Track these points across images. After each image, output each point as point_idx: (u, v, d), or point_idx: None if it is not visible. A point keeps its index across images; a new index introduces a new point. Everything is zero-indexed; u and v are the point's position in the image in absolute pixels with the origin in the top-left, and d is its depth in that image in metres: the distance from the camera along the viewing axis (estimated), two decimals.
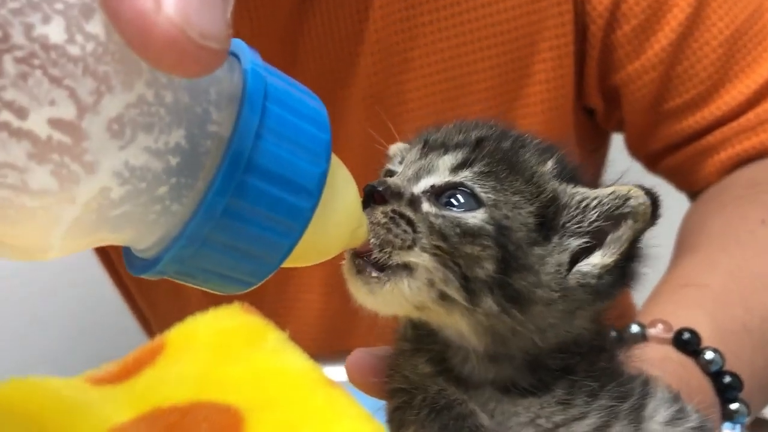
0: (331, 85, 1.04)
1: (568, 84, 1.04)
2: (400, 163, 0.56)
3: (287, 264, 0.42)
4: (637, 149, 1.10)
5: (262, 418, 0.83)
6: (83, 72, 0.32)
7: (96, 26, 0.32)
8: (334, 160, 0.45)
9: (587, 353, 0.52)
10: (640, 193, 0.50)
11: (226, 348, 0.94)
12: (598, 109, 1.09)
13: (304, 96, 0.42)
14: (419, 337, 0.54)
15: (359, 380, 0.56)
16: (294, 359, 0.92)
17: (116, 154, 0.34)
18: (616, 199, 0.50)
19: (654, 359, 0.67)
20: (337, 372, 0.99)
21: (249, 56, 0.40)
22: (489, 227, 0.49)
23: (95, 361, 0.99)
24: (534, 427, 0.50)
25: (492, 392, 0.51)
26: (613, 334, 0.76)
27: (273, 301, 1.14)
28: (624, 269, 0.51)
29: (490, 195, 0.50)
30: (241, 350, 0.94)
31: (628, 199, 0.50)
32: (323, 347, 0.98)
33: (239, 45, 0.41)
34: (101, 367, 0.96)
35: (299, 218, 0.40)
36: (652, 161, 1.09)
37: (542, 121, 1.04)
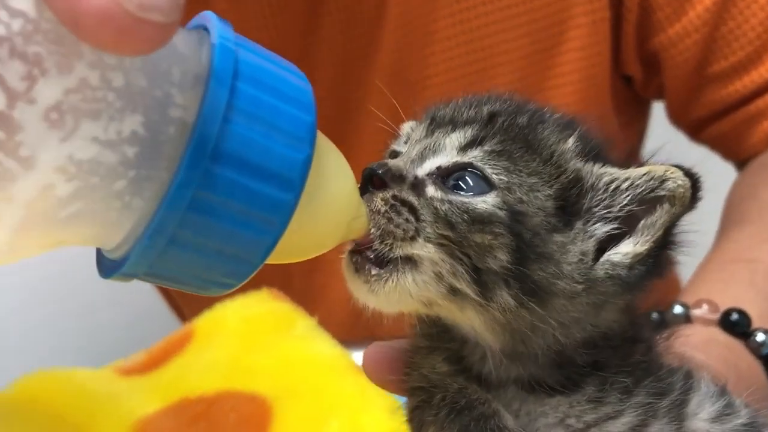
0: (352, 65, 1.00)
1: (604, 51, 0.97)
2: (406, 142, 0.50)
3: (274, 260, 0.40)
4: (679, 117, 1.04)
5: (290, 407, 0.82)
6: (10, 54, 0.28)
7: (23, 1, 0.28)
8: (325, 143, 0.40)
9: (619, 346, 0.47)
10: (679, 173, 0.44)
11: (254, 335, 0.92)
12: (636, 76, 1.02)
13: (284, 72, 0.37)
14: (435, 334, 0.49)
15: (377, 377, 0.51)
16: (322, 346, 0.90)
17: (58, 147, 0.30)
18: (651, 180, 0.44)
19: (698, 342, 0.63)
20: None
21: (219, 29, 0.35)
22: (501, 213, 0.43)
23: (128, 348, 0.98)
24: (563, 428, 0.45)
25: (516, 391, 0.46)
26: (654, 316, 0.71)
27: (301, 286, 1.11)
28: (657, 258, 0.45)
29: (502, 177, 0.44)
30: (269, 337, 0.92)
31: (665, 180, 0.44)
32: (352, 333, 0.95)
33: (210, 17, 0.37)
34: (130, 357, 0.95)
35: (279, 212, 0.35)
36: (695, 129, 1.03)
37: (577, 91, 0.98)
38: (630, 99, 1.06)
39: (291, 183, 0.35)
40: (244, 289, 1.02)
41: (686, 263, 0.54)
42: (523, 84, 0.96)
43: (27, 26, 0.28)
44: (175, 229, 0.33)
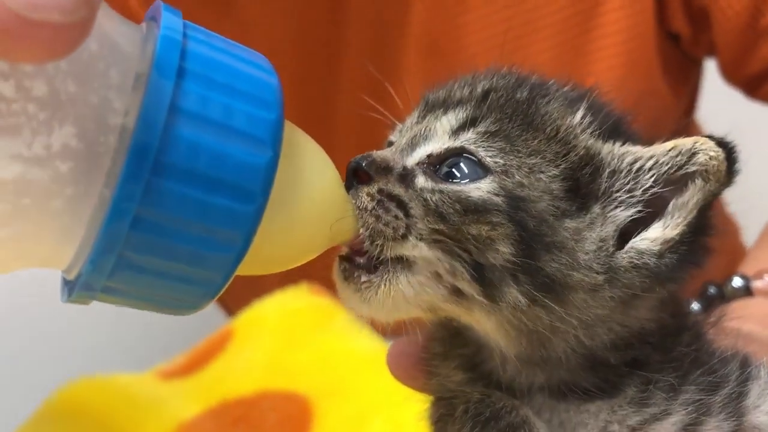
0: (383, 37, 0.96)
1: (648, 8, 0.91)
2: (401, 131, 0.45)
3: (247, 272, 0.35)
4: (733, 75, 0.96)
5: (331, 406, 0.79)
6: None
7: None
8: (299, 138, 0.35)
9: (659, 340, 0.41)
10: (710, 144, 0.38)
11: (294, 332, 0.90)
12: (683, 33, 0.95)
13: (242, 65, 0.32)
14: (447, 338, 0.44)
15: (401, 376, 0.47)
16: (363, 340, 0.87)
17: None
18: (678, 156, 0.39)
19: (759, 316, 0.57)
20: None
21: (165, 20, 0.31)
22: (498, 199, 0.38)
23: (169, 350, 0.97)
24: None
25: (544, 399, 0.41)
26: (711, 290, 0.65)
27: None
28: (692, 245, 0.39)
29: (497, 159, 0.39)
30: (308, 334, 0.90)
31: (694, 154, 0.38)
32: (394, 325, 0.91)
33: (159, 7, 0.32)
34: (171, 360, 0.94)
35: (240, 225, 0.31)
36: (752, 86, 0.95)
37: (622, 53, 0.91)
38: (679, 59, 0.99)
39: (250, 192, 0.31)
40: (282, 285, 1.01)
41: (750, 229, 0.48)
42: (565, 48, 0.90)
43: None
44: (121, 250, 0.29)
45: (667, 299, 0.41)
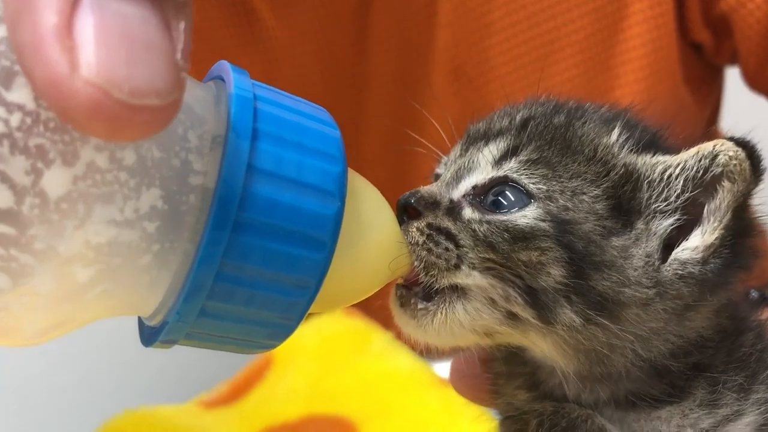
0: (408, 64, 0.97)
1: (669, 21, 0.91)
2: (446, 164, 0.47)
3: (315, 310, 0.35)
4: (756, 81, 0.96)
5: (376, 428, 0.79)
6: (11, 150, 0.27)
7: (20, 93, 0.27)
8: (359, 184, 0.37)
9: (720, 342, 0.42)
10: (729, 144, 0.39)
11: (332, 356, 0.91)
12: (705, 42, 0.96)
13: (307, 121, 0.34)
14: (509, 356, 0.45)
15: (465, 392, 0.47)
16: (402, 360, 0.87)
17: (72, 236, 0.28)
18: (701, 159, 0.39)
19: None
20: (448, 368, 0.94)
21: (237, 81, 0.33)
22: (545, 225, 0.39)
23: (210, 380, 0.98)
24: None
25: (613, 412, 0.41)
26: (753, 294, 0.65)
27: (375, 298, 1.08)
28: (736, 248, 0.39)
29: (541, 186, 0.40)
30: (347, 357, 0.90)
31: (716, 155, 0.39)
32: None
33: (225, 67, 0.34)
34: (213, 389, 0.95)
35: (312, 272, 0.33)
36: None
37: (646, 66, 0.92)
38: (701, 68, 1.00)
39: (322, 242, 0.33)
40: None
41: None
42: (590, 65, 0.91)
43: (26, 119, 0.27)
44: (205, 302, 0.31)
45: (723, 305, 0.42)
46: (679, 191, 0.40)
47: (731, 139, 0.39)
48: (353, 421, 0.80)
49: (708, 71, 1.01)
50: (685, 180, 0.40)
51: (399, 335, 0.94)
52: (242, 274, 0.31)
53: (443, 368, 0.86)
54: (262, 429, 0.83)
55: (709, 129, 1.00)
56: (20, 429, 1.19)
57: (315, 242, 0.33)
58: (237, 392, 0.92)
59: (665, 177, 0.40)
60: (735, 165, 0.38)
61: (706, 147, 0.39)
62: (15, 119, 0.27)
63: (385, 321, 0.94)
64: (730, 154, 0.39)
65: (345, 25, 0.96)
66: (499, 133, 0.44)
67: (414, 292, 0.41)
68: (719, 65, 1.02)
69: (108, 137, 0.26)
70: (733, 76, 1.03)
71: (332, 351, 0.91)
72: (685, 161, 0.40)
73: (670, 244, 0.40)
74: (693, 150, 0.40)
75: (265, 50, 0.96)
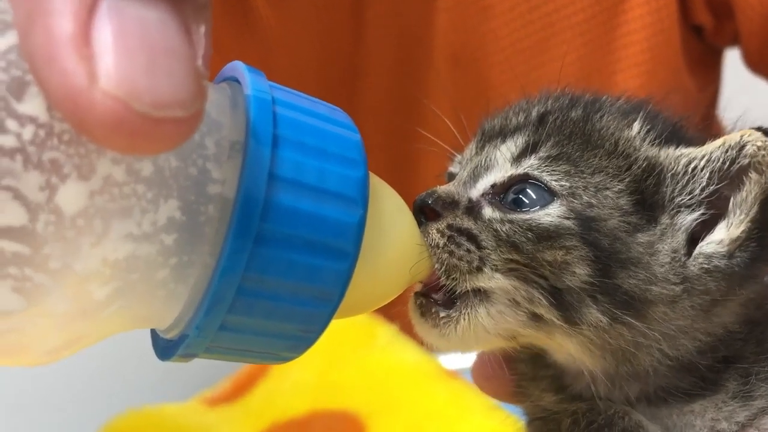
0: (406, 52, 0.96)
1: (670, 3, 0.90)
2: (461, 163, 0.45)
3: (336, 318, 0.34)
4: (757, 64, 0.95)
5: (384, 422, 0.79)
6: (24, 165, 0.25)
7: (33, 104, 0.25)
8: (377, 184, 0.35)
9: (749, 333, 0.41)
10: (757, 135, 0.38)
11: (337, 350, 0.90)
12: (706, 25, 0.95)
13: (326, 125, 0.33)
14: (533, 358, 0.44)
15: (492, 393, 0.46)
16: (408, 353, 0.86)
17: (89, 253, 0.27)
18: (728, 150, 0.38)
19: None
20: (454, 360, 0.93)
21: (254, 83, 0.31)
22: (569, 223, 0.38)
23: (212, 377, 0.97)
24: None
25: (644, 408, 0.40)
26: None
27: (393, 304, 1.07)
28: (762, 241, 0.38)
29: (563, 182, 0.39)
30: (353, 351, 0.89)
31: (743, 146, 0.38)
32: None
33: (240, 68, 0.33)
34: (215, 386, 0.94)
35: (335, 282, 0.32)
36: None
37: (647, 49, 0.91)
38: (701, 51, 0.99)
39: (345, 251, 0.32)
40: None
41: None
42: (590, 48, 0.90)
43: (39, 132, 0.25)
44: (225, 316, 0.30)
45: (750, 299, 0.41)
46: (704, 184, 0.39)
47: (759, 129, 0.38)
48: (360, 415, 0.80)
49: (708, 54, 1.01)
50: (711, 172, 0.39)
51: (404, 328, 0.93)
52: (264, 286, 0.30)
53: (450, 361, 0.86)
54: (268, 425, 0.82)
55: (709, 112, 0.99)
56: (23, 428, 1.18)
57: (338, 252, 0.31)
58: (241, 389, 0.91)
59: (690, 170, 0.39)
60: (763, 155, 0.37)
61: (733, 138, 0.38)
62: (27, 132, 0.25)
63: (389, 314, 0.93)
64: (759, 144, 0.37)
65: (341, 12, 0.94)
66: (516, 130, 0.43)
67: (434, 299, 0.40)
68: (720, 47, 1.01)
69: (128, 151, 0.25)
70: (732, 59, 1.02)
71: (337, 345, 0.90)
72: (711, 153, 0.39)
73: (693, 239, 0.39)
74: (719, 141, 0.39)
75: (260, 39, 0.94)
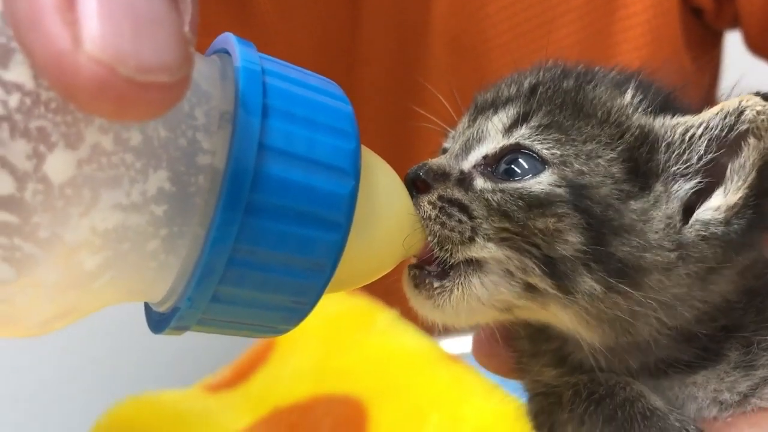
0: (405, 38, 0.95)
1: None
2: (454, 137, 0.45)
3: (329, 291, 0.34)
4: (758, 45, 0.95)
5: (385, 406, 0.78)
6: (11, 133, 0.25)
7: (18, 72, 0.25)
8: (369, 157, 0.35)
9: (749, 302, 0.40)
10: (756, 99, 0.37)
11: (337, 336, 0.90)
12: (706, 7, 0.95)
13: (317, 96, 0.33)
14: (533, 334, 0.44)
15: (492, 368, 0.46)
16: (408, 337, 0.86)
17: (78, 222, 0.27)
18: (726, 117, 0.38)
19: None
20: (455, 344, 0.93)
21: (243, 54, 0.31)
22: (560, 190, 0.38)
23: (213, 363, 0.97)
24: (717, 406, 0.39)
25: (645, 380, 0.40)
26: None
27: (388, 277, 1.07)
28: (759, 208, 0.38)
29: (554, 151, 0.39)
30: (352, 336, 0.89)
31: (742, 112, 0.37)
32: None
33: (230, 39, 0.33)
34: (216, 372, 0.94)
35: (327, 254, 0.32)
36: None
37: (647, 31, 0.91)
38: (701, 33, 0.98)
39: (337, 222, 0.32)
40: None
41: None
42: (590, 31, 0.90)
43: (25, 100, 0.25)
44: (217, 287, 0.30)
45: (748, 267, 0.40)
46: (702, 153, 0.39)
47: (757, 94, 0.38)
48: (363, 399, 0.79)
49: (708, 36, 1.00)
50: (708, 140, 0.38)
51: (404, 313, 0.93)
52: (255, 257, 0.30)
53: (451, 344, 0.86)
54: (270, 410, 0.82)
55: (709, 94, 0.99)
56: (23, 416, 1.18)
57: (330, 223, 0.31)
58: (241, 375, 0.91)
59: (687, 138, 0.39)
60: (762, 120, 0.37)
61: (731, 103, 0.38)
62: (14, 100, 0.25)
63: (389, 300, 0.93)
64: (758, 108, 0.37)
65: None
66: (508, 101, 0.43)
67: (428, 271, 0.40)
68: (720, 29, 1.01)
69: (114, 117, 0.25)
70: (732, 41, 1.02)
71: (337, 330, 0.90)
72: (709, 120, 0.38)
73: (688, 207, 0.39)
74: (716, 108, 0.39)
75: (258, 28, 0.94)
